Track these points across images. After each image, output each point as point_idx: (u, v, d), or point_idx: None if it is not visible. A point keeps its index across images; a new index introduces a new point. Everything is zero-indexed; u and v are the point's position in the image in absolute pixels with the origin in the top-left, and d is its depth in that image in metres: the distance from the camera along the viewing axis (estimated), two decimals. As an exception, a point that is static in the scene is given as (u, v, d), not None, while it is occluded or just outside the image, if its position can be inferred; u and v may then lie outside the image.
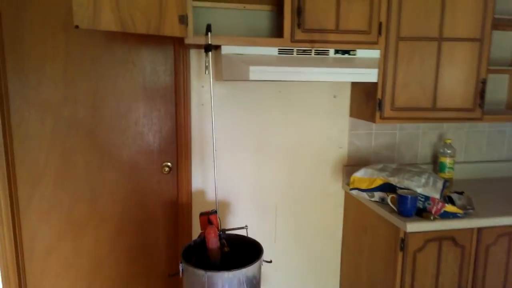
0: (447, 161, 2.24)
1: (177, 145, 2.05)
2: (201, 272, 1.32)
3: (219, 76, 1.91)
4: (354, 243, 2.16)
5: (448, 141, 2.24)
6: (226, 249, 1.53)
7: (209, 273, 1.32)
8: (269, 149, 2.13)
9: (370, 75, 1.64)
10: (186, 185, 2.07)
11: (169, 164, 2.11)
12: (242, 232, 2.07)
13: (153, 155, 2.10)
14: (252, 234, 2.17)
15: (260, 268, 1.44)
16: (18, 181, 1.98)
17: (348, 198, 2.23)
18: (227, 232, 1.79)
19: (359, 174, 1.99)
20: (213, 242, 1.52)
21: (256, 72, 1.47)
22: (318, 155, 2.20)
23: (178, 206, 2.12)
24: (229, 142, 2.08)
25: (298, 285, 2.30)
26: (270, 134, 2.12)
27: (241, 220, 2.15)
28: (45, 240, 2.06)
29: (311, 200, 2.22)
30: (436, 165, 2.32)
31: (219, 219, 1.75)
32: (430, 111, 1.93)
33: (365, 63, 1.64)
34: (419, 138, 2.32)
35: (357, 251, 2.13)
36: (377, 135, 2.25)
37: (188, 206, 2.08)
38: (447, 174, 2.25)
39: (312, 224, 2.24)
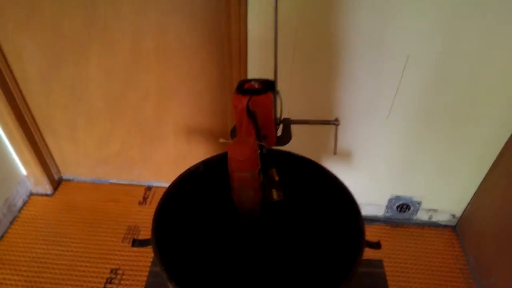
0: None
1: None
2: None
3: None
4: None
5: None
6: (275, 196, 0.68)
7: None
8: None
9: None
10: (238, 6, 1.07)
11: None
12: (321, 138, 1.15)
13: None
14: (350, 110, 1.23)
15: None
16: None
17: None
18: (293, 124, 0.89)
19: None
20: (242, 178, 0.66)
21: None
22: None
23: (224, 41, 1.19)
24: None
25: (406, 183, 1.46)
26: None
27: (334, 92, 1.18)
28: (36, 63, 1.38)
29: (482, 55, 1.10)
30: None
31: (280, 100, 0.83)
32: None
33: None
34: None
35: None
36: None
37: (241, 46, 1.15)
38: None
39: (464, 96, 1.19)
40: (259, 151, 0.70)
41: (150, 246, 0.66)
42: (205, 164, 0.73)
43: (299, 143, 0.94)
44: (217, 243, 0.77)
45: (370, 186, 1.49)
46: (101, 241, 1.55)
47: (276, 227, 0.78)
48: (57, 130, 1.58)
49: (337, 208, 0.72)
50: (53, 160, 1.70)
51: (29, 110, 1.52)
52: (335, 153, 0.88)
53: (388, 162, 1.41)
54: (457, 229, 1.57)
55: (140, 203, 1.68)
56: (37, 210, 1.66)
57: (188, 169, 0.71)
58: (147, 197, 1.70)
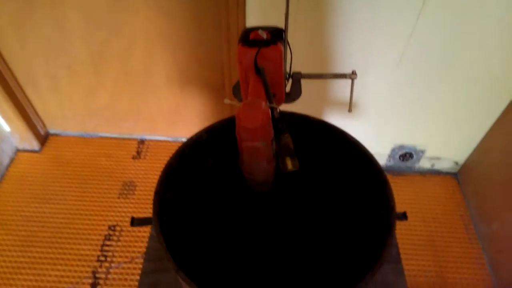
0: None
1: None
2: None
3: None
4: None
5: None
6: (290, 166, 0.61)
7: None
8: None
9: None
10: None
11: None
12: (339, 90, 1.04)
13: None
14: (358, 59, 1.12)
15: None
16: None
17: None
18: (304, 78, 0.80)
19: None
20: (253, 148, 0.59)
21: None
22: None
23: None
24: None
25: (410, 132, 1.41)
26: None
27: (342, 41, 1.07)
28: (5, 7, 1.22)
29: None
30: None
31: (290, 52, 0.74)
32: None
33: None
34: None
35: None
36: None
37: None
38: None
39: (478, 48, 1.10)
40: (273, 111, 0.62)
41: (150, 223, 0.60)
42: (209, 132, 0.65)
43: (302, 97, 0.86)
44: (224, 220, 0.71)
45: (373, 135, 1.44)
46: (96, 198, 1.50)
47: (290, 201, 0.72)
48: (38, 82, 1.46)
49: (360, 179, 0.65)
50: (37, 114, 1.59)
51: (5, 61, 1.38)
52: (350, 110, 0.81)
53: (394, 111, 1.34)
54: (459, 176, 1.55)
55: (134, 158, 1.61)
56: (26, 168, 1.58)
57: (190, 138, 0.63)
58: (141, 151, 1.63)
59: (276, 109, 0.65)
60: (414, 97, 1.28)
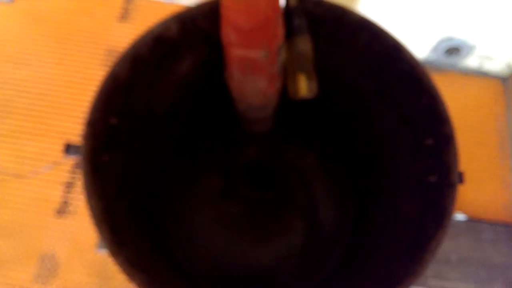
0: None
1: None
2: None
3: None
4: None
5: None
6: (303, 89, 0.38)
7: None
8: None
9: None
10: None
11: None
12: None
13: None
14: None
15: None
16: None
17: None
18: None
19: None
20: (248, 59, 0.35)
21: None
22: None
23: None
24: None
25: (462, 23, 1.09)
26: None
27: None
28: None
29: None
30: None
31: None
32: None
33: None
34: None
35: None
36: None
37: None
38: None
39: None
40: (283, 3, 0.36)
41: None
42: (182, 24, 0.39)
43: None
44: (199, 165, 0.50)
45: (418, 21, 1.13)
46: (77, 63, 1.30)
47: (299, 141, 0.49)
48: None
49: (406, 123, 0.43)
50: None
51: None
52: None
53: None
54: (508, 83, 1.29)
55: (119, 19, 1.34)
56: (-5, 21, 1.34)
57: (150, 31, 0.38)
58: (128, 12, 1.34)
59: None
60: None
